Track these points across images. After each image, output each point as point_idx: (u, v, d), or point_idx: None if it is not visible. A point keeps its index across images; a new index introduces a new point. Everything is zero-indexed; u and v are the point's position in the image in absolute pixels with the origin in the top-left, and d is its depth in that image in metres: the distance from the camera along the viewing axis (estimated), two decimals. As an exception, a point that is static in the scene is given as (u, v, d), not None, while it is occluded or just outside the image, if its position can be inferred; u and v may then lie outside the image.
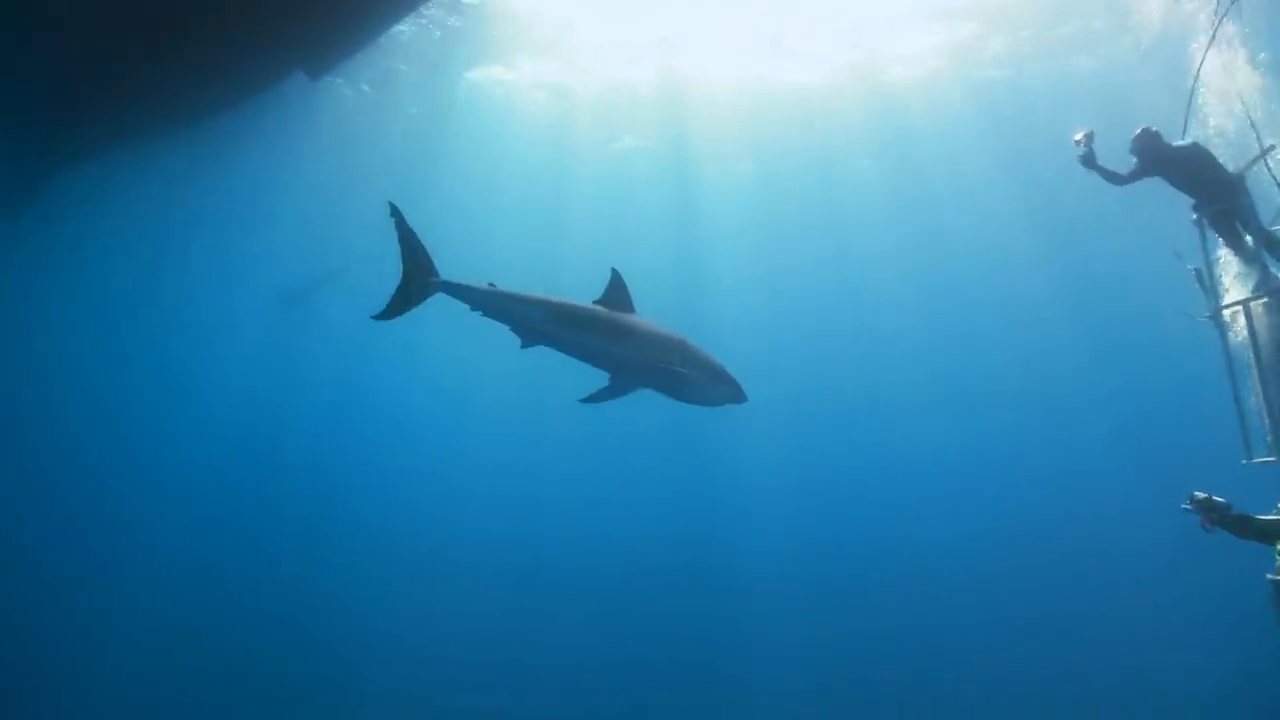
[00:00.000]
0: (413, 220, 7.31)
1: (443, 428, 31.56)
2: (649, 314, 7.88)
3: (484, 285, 7.37)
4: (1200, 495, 6.25)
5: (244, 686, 18.08)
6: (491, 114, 23.13)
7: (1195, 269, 7.26)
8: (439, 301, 7.41)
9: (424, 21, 17.72)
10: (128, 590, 20.89)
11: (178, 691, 17.38)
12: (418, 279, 7.24)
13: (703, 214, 28.05)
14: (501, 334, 7.62)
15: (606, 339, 7.31)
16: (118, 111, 11.87)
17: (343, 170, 22.89)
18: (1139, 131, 7.34)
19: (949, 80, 21.51)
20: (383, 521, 25.92)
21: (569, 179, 26.26)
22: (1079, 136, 7.36)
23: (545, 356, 7.72)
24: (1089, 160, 7.32)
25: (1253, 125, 6.93)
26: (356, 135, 21.73)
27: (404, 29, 17.24)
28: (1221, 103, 7.46)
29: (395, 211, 7.25)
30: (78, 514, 23.25)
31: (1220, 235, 7.21)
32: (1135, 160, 7.36)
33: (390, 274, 7.26)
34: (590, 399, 7.72)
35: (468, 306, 7.38)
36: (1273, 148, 6.86)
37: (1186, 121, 7.61)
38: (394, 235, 7.32)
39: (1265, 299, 6.63)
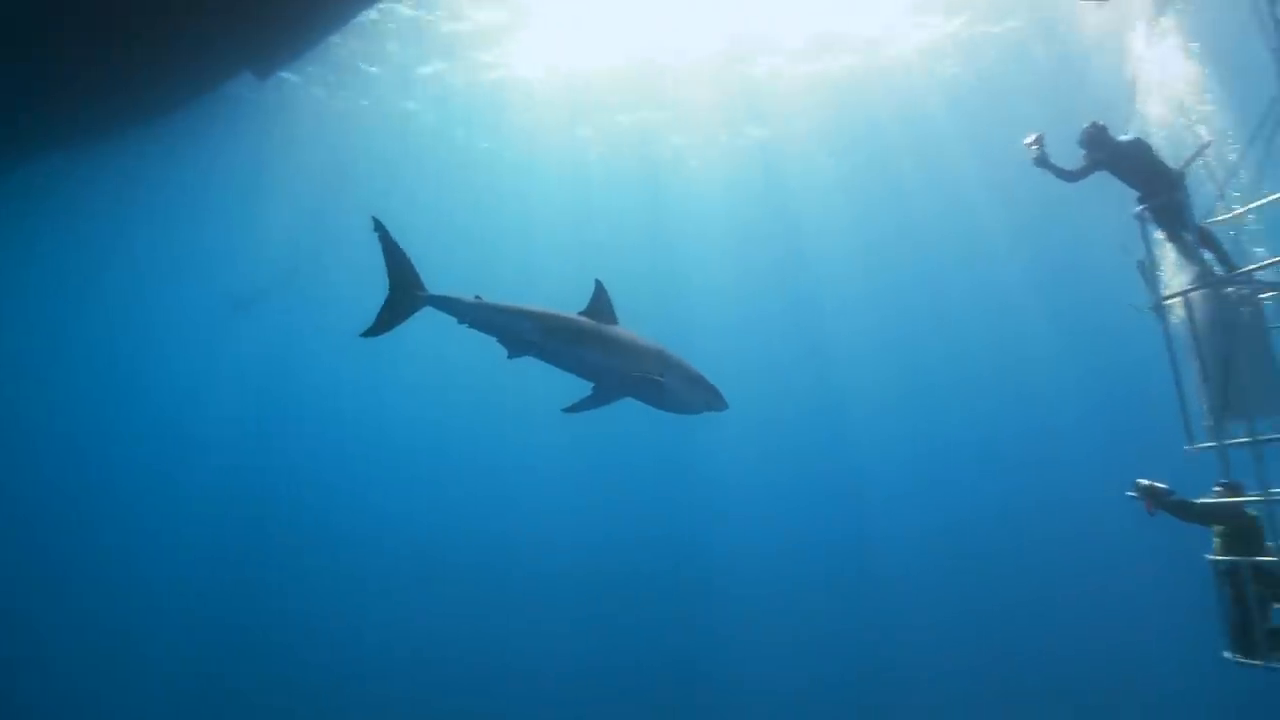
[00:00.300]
0: (364, 218, 7.35)
1: (407, 429, 31.36)
2: (624, 314, 8.05)
3: (470, 298, 7.45)
4: (1144, 482, 6.53)
5: (185, 690, 17.97)
6: (452, 109, 23.03)
7: (1139, 261, 7.52)
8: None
9: (375, 18, 17.59)
10: (74, 591, 20.59)
11: (119, 694, 17.21)
12: (404, 293, 7.31)
13: (670, 211, 28.21)
14: (468, 336, 7.73)
15: (590, 350, 7.48)
16: (64, 111, 11.68)
17: (295, 171, 22.67)
18: (1087, 126, 7.57)
19: (918, 72, 21.84)
20: (340, 524, 25.82)
21: (531, 175, 26.23)
22: (1030, 140, 7.59)
23: (516, 360, 7.85)
24: (1042, 161, 7.57)
25: (1189, 120, 7.19)
26: (309, 135, 21.51)
27: (364, 18, 17.09)
28: (1160, 95, 7.73)
29: (379, 226, 7.32)
30: (21, 514, 22.85)
31: (1162, 229, 7.47)
32: (1084, 155, 7.60)
33: (340, 280, 7.36)
34: (573, 408, 7.84)
35: (454, 319, 7.49)
36: (1209, 144, 7.13)
37: (1129, 115, 7.88)
38: (379, 250, 7.42)
39: (1202, 291, 6.90)
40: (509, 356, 7.60)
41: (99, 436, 26.70)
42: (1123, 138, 7.45)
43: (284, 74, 15.53)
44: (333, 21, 12.19)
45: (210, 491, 25.81)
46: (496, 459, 29.52)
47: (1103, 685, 19.36)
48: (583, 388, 7.89)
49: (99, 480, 25.27)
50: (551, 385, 8.19)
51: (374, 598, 22.73)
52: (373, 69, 20.16)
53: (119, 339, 27.30)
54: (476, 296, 7.52)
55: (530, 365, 7.89)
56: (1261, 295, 6.93)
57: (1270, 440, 6.23)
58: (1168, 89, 7.73)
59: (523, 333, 7.42)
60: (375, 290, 7.50)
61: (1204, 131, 7.30)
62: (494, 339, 7.58)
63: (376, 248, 7.38)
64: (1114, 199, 8.57)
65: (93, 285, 24.42)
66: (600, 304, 7.75)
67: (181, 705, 17.89)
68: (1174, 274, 7.28)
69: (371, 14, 16.41)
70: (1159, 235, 7.50)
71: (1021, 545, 23.70)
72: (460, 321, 7.54)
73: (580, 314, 7.76)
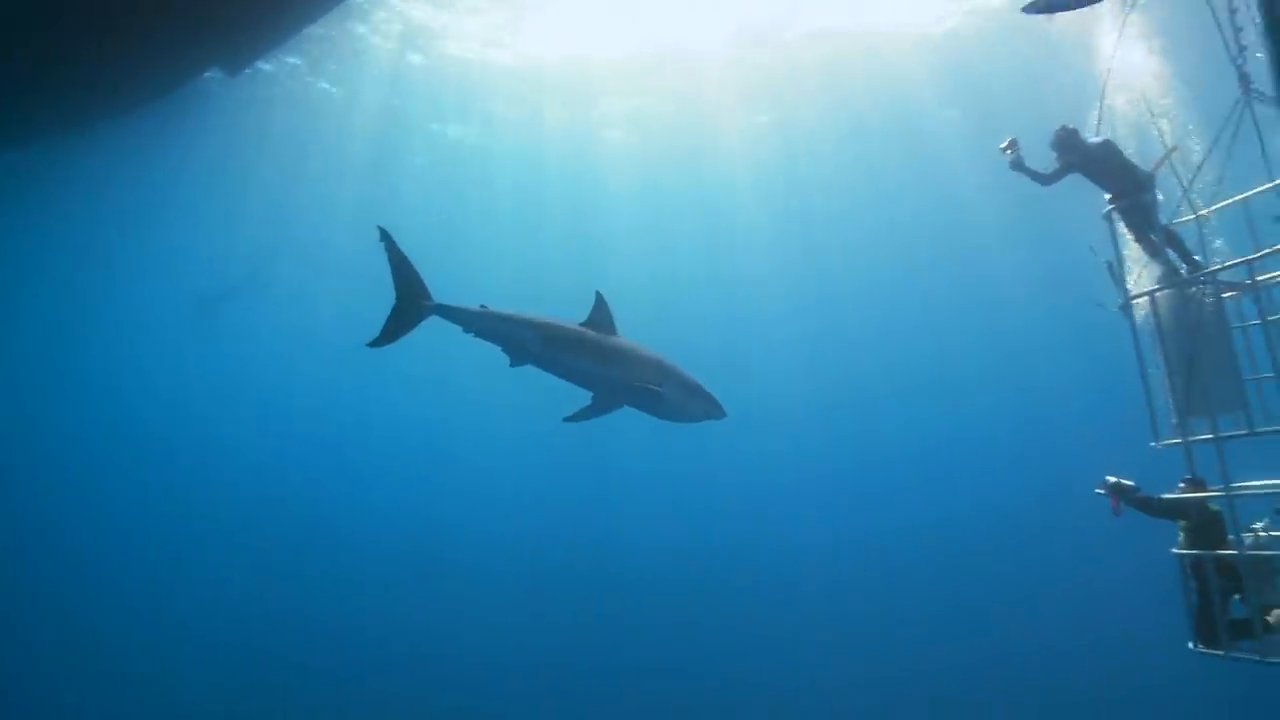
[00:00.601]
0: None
1: (384, 425, 31.20)
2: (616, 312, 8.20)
3: (476, 308, 7.60)
4: (1111, 479, 6.72)
5: (143, 682, 17.91)
6: (423, 105, 23.01)
7: (1107, 261, 7.72)
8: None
9: (350, 20, 17.54)
10: (44, 591, 20.39)
11: (83, 693, 17.13)
12: (411, 303, 7.42)
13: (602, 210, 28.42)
14: (437, 329, 7.81)
15: (591, 360, 7.64)
16: (29, 107, 11.55)
17: (266, 170, 22.54)
18: (1058, 130, 7.78)
19: (912, 62, 22.02)
20: (315, 521, 25.74)
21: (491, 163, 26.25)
22: (1004, 145, 7.80)
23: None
24: (1018, 164, 7.78)
25: (1154, 121, 7.40)
26: (280, 133, 21.38)
27: (319, 30, 17.03)
28: (1127, 96, 7.94)
29: (385, 236, 7.42)
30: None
31: (1130, 229, 7.68)
32: (1056, 158, 7.81)
33: (304, 279, 7.41)
34: (573, 418, 8.02)
35: (460, 329, 7.64)
36: (1176, 149, 7.34)
37: (1100, 116, 8.08)
38: (385, 260, 7.51)
39: (1169, 291, 7.11)
40: (511, 365, 7.74)
41: (66, 435, 26.38)
42: (1092, 140, 7.65)
43: (259, 65, 15.36)
44: (302, 18, 12.14)
45: (179, 491, 25.62)
46: (483, 456, 29.50)
47: (1089, 677, 19.69)
48: (583, 396, 8.03)
49: (67, 479, 24.97)
50: (541, 383, 8.31)
51: (344, 594, 22.67)
52: (340, 68, 20.09)
53: (89, 338, 27.00)
54: (482, 306, 7.67)
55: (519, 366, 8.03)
56: (1224, 295, 7.15)
57: (1232, 437, 6.44)
58: (1134, 86, 7.94)
59: (525, 343, 7.56)
60: (343, 289, 7.60)
61: (1165, 126, 7.51)
62: (498, 348, 7.73)
63: (344, 246, 7.50)
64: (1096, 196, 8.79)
65: (62, 283, 24.12)
66: (600, 315, 7.90)
67: (150, 705, 17.78)
68: (1141, 274, 7.49)
69: (343, 15, 16.37)
70: (1127, 235, 7.72)
71: (1015, 539, 24.03)
72: (466, 330, 7.67)
73: (581, 324, 7.89)
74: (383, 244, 7.45)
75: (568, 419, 8.07)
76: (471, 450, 30.29)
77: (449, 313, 7.58)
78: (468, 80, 21.79)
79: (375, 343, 7.47)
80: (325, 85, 21.26)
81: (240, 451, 28.16)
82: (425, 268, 7.72)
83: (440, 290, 7.72)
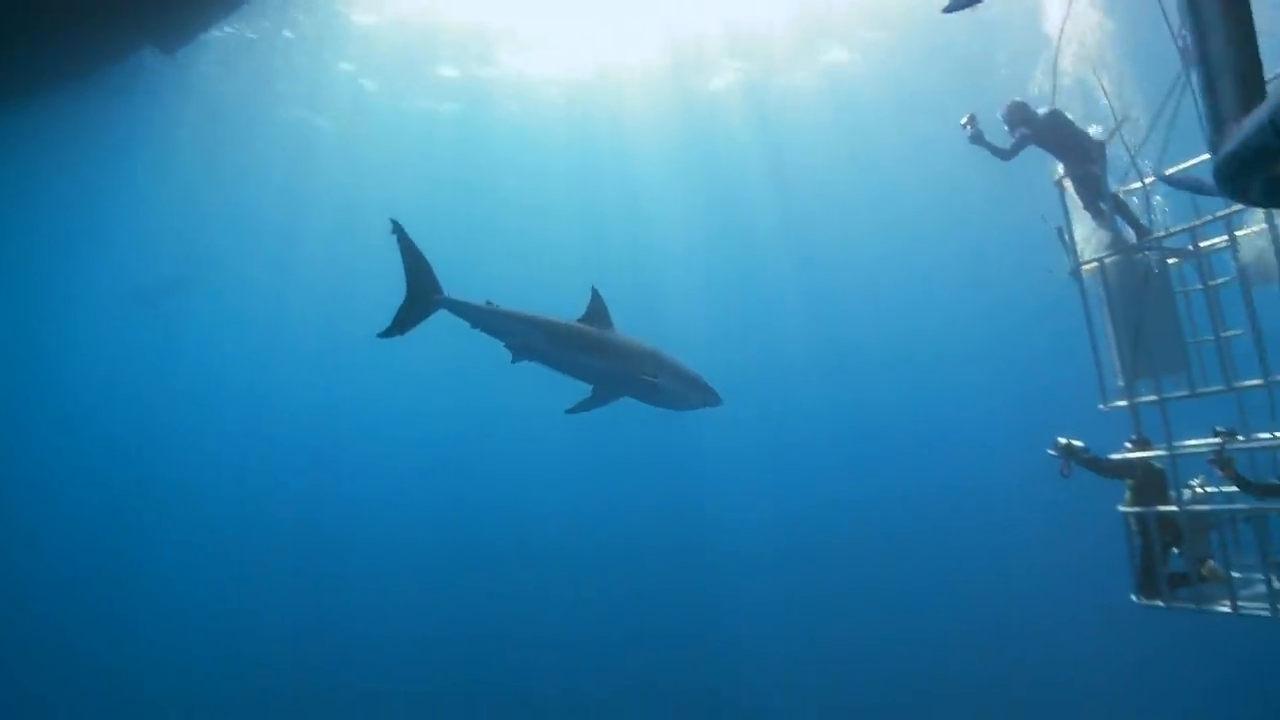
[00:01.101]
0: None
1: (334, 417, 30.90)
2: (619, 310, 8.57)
3: (482, 303, 7.86)
4: (1062, 440, 7.07)
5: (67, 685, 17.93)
6: (364, 105, 22.72)
7: (1057, 228, 8.02)
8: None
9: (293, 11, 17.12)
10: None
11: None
12: (422, 296, 7.64)
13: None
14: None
15: (592, 355, 7.97)
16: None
17: (207, 157, 22.01)
18: (1008, 104, 8.01)
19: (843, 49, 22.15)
20: (249, 516, 25.57)
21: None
22: (964, 120, 8.02)
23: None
24: (978, 138, 8.03)
25: (1104, 93, 7.64)
26: (226, 118, 20.84)
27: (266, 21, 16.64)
28: (1075, 56, 8.16)
29: (398, 228, 7.60)
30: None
31: (1080, 197, 7.97)
32: (1010, 132, 8.06)
33: (255, 275, 7.39)
34: (575, 409, 8.35)
35: (468, 324, 7.93)
36: (1126, 119, 7.61)
37: (1054, 83, 8.31)
38: (398, 252, 7.72)
39: (1117, 257, 7.42)
40: (512, 361, 8.01)
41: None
42: (1041, 110, 7.89)
43: (195, 51, 14.89)
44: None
45: (110, 487, 25.32)
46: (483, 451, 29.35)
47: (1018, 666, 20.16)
48: (583, 389, 8.38)
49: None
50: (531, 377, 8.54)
51: (302, 592, 22.70)
52: (282, 62, 19.63)
53: (17, 330, 26.23)
54: (488, 302, 7.90)
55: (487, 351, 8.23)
56: (1168, 261, 7.48)
57: (1175, 398, 6.81)
58: (1082, 50, 8.17)
59: (529, 340, 7.85)
60: (291, 282, 7.64)
61: (1107, 86, 7.75)
62: (501, 343, 8.00)
63: (295, 238, 7.52)
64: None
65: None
66: (597, 309, 8.19)
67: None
68: (1090, 240, 7.80)
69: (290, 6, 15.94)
70: (1077, 203, 8.01)
71: (952, 518, 24.65)
72: (472, 326, 7.93)
73: (579, 320, 8.17)
74: (395, 236, 7.61)
75: (570, 410, 8.49)
76: (486, 442, 29.92)
77: (456, 307, 7.79)
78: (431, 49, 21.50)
79: (385, 333, 7.64)
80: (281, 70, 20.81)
81: (183, 443, 27.76)
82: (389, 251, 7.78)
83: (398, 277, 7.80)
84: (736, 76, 23.08)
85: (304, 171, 24.18)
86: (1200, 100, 2.24)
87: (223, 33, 15.70)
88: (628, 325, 8.65)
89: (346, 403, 30.54)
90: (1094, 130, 7.80)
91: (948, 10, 6.04)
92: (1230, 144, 2.12)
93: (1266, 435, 6.40)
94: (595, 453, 25.46)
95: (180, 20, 11.04)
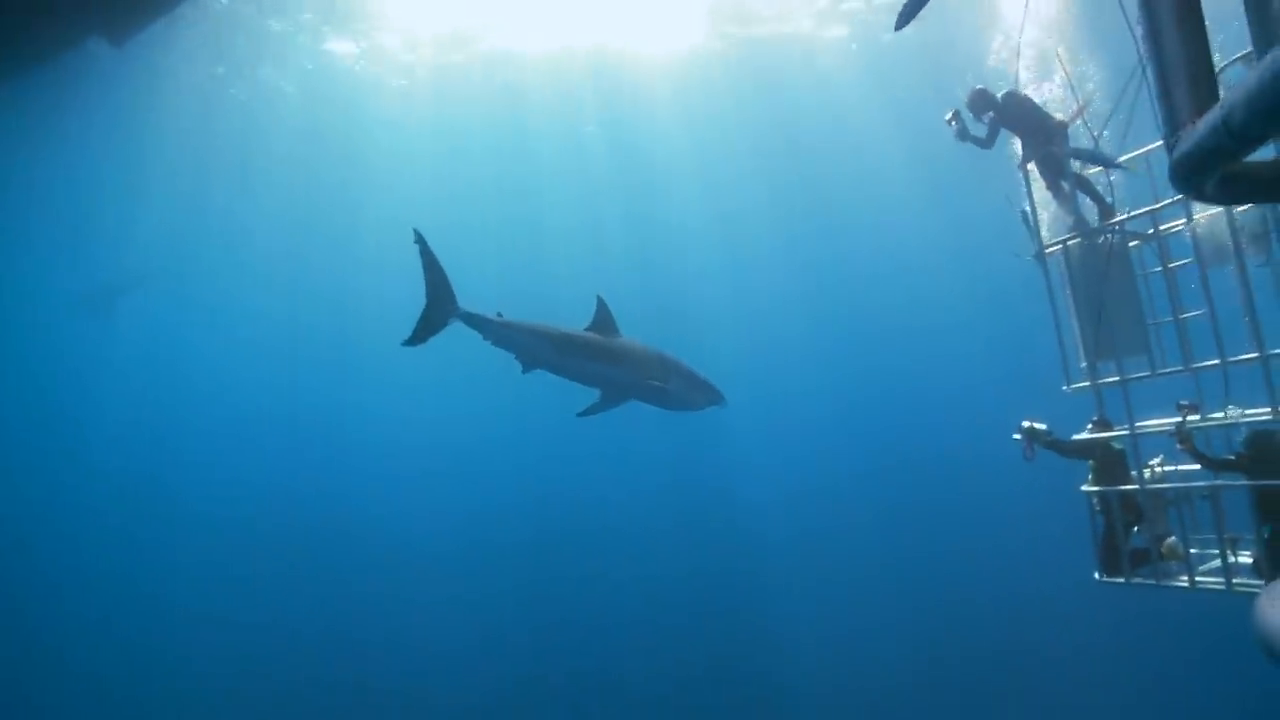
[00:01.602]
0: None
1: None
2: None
3: (495, 317, 8.25)
4: (1026, 424, 7.25)
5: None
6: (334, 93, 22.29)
7: (1022, 210, 8.18)
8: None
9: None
10: None
11: None
12: (440, 308, 8.06)
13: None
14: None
15: (601, 363, 8.35)
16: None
17: (169, 155, 21.43)
18: (971, 93, 8.15)
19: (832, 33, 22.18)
20: (208, 517, 25.21)
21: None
22: (948, 117, 8.16)
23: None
24: (963, 134, 8.21)
25: (1067, 75, 7.78)
26: (185, 113, 20.27)
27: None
28: (1036, 36, 8.30)
29: (420, 240, 7.91)
30: None
31: (1044, 179, 8.12)
32: (978, 118, 8.21)
33: (221, 275, 7.29)
34: (585, 413, 8.75)
35: (480, 336, 8.23)
36: (1089, 103, 7.76)
37: (1017, 65, 8.44)
38: (419, 263, 8.02)
39: (1080, 240, 7.59)
40: (523, 371, 8.35)
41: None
42: (999, 94, 8.03)
43: (149, 41, 14.37)
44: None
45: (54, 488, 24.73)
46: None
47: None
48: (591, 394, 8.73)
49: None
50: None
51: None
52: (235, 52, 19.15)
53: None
54: (498, 314, 8.24)
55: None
56: (1130, 243, 7.67)
57: (1137, 379, 7.01)
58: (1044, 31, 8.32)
59: (539, 352, 8.21)
60: (252, 288, 7.58)
61: (1068, 69, 7.91)
62: (513, 355, 8.34)
63: (257, 239, 7.50)
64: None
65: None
66: (603, 317, 8.55)
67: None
68: (1054, 223, 7.96)
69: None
70: (1041, 185, 8.16)
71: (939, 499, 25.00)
72: (485, 338, 8.23)
73: (586, 329, 8.50)
74: (417, 246, 7.89)
75: (581, 414, 8.94)
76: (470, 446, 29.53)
77: (471, 320, 8.15)
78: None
79: (407, 342, 8.02)
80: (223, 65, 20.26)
81: (119, 445, 27.15)
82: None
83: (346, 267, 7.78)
84: (722, 44, 22.86)
85: (259, 152, 23.56)
86: (1155, 103, 2.32)
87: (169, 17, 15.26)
88: (625, 307, 8.82)
89: (310, 395, 30.15)
90: (1056, 112, 7.94)
91: (898, 28, 6.12)
92: (1185, 145, 2.21)
93: (1220, 414, 6.62)
94: (604, 444, 25.41)
95: (130, 9, 10.66)
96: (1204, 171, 2.15)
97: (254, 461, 27.60)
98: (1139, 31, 2.34)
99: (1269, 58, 1.77)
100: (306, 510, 25.94)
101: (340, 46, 20.72)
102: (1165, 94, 2.18)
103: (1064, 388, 7.60)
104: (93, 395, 27.34)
